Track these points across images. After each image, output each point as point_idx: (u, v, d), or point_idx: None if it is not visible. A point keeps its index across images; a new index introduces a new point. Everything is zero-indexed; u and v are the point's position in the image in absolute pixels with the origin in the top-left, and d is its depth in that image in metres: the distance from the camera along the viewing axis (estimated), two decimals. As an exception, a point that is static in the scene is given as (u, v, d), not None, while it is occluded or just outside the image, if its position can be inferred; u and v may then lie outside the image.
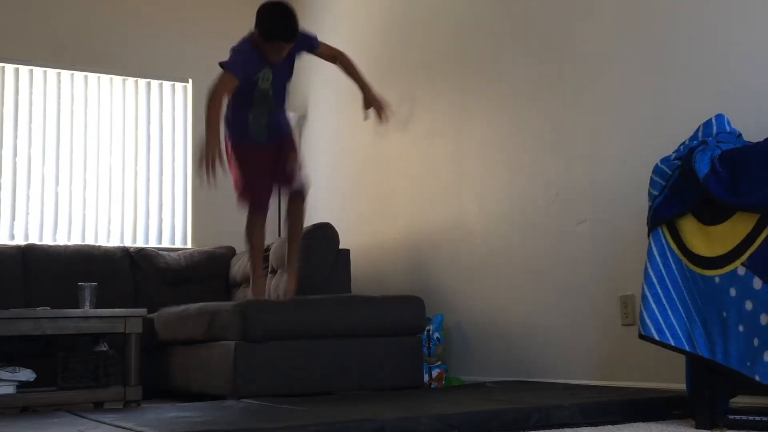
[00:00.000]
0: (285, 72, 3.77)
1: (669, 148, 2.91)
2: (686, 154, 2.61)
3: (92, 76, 5.70)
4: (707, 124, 2.74)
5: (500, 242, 4.17)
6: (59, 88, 5.61)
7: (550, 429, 2.59)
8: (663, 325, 2.58)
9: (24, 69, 5.52)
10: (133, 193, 5.75)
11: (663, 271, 2.62)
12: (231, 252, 5.49)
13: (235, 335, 3.65)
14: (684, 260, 2.59)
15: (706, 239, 2.52)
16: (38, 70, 5.56)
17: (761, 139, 2.57)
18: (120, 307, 3.98)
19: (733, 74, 3.10)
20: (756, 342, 2.35)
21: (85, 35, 5.67)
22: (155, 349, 4.40)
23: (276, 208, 5.65)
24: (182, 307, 4.29)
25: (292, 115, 4.56)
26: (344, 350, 3.79)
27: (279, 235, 5.90)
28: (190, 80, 5.95)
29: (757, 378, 2.33)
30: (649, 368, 3.29)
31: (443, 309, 4.45)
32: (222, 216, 5.86)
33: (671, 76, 3.33)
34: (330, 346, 3.77)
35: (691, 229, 2.57)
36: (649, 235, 2.68)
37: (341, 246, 4.66)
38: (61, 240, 5.44)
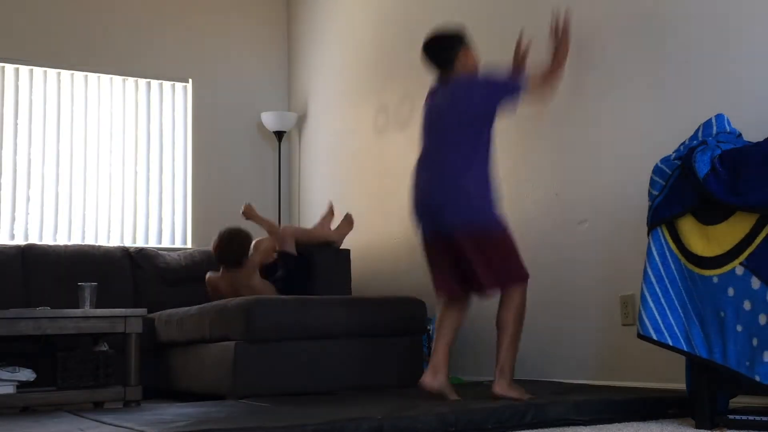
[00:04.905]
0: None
1: (669, 148, 2.91)
2: (686, 154, 2.61)
3: (92, 76, 5.69)
4: (707, 124, 2.74)
5: (500, 242, 4.16)
6: (59, 88, 5.61)
7: (546, 427, 2.60)
8: (661, 324, 2.58)
9: (24, 69, 5.52)
10: (133, 193, 5.74)
11: (662, 270, 2.62)
12: (231, 252, 5.48)
13: (236, 335, 3.65)
14: (683, 260, 2.59)
15: (705, 239, 2.52)
16: (38, 70, 5.56)
17: (761, 139, 2.57)
18: (120, 307, 3.98)
19: (733, 74, 3.10)
20: (755, 342, 2.35)
21: (85, 35, 5.66)
22: (155, 349, 4.40)
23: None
24: (183, 307, 4.30)
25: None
26: (344, 350, 3.79)
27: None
28: (190, 80, 5.95)
29: (757, 378, 2.33)
30: (649, 368, 3.29)
31: (443, 309, 4.44)
32: (222, 216, 5.87)
33: (671, 76, 3.33)
34: (330, 346, 3.77)
35: (690, 229, 2.57)
36: (648, 235, 2.68)
37: (341, 246, 4.65)
38: (61, 240, 5.44)
